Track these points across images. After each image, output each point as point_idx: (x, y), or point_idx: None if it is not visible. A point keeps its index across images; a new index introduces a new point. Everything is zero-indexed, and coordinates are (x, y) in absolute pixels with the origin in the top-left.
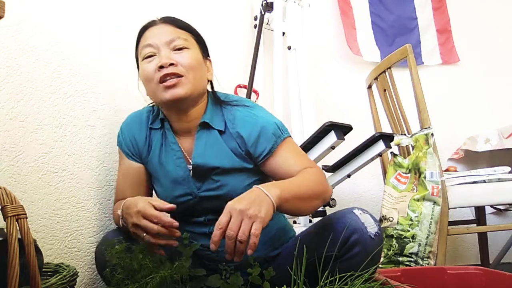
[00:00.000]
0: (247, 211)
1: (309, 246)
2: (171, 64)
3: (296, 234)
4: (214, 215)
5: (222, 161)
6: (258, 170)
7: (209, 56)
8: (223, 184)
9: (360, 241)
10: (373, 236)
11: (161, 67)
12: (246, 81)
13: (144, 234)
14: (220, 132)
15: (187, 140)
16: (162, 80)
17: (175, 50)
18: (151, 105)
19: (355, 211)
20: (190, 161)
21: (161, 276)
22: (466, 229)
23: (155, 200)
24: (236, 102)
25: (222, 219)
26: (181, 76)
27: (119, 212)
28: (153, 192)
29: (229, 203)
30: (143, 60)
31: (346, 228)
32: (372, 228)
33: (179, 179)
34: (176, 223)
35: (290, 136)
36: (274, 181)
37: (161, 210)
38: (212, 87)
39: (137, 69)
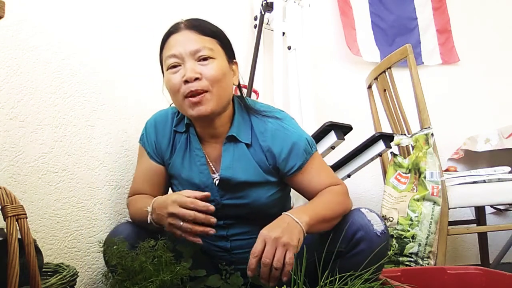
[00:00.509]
0: (280, 239)
1: (315, 243)
2: (196, 79)
3: None
4: (233, 219)
5: (248, 175)
6: (281, 181)
7: (235, 59)
8: (246, 194)
9: (366, 238)
10: (379, 234)
11: (186, 81)
12: (246, 81)
13: (181, 223)
14: (247, 145)
15: (212, 146)
16: (187, 95)
17: (200, 61)
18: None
19: (362, 209)
20: (214, 168)
21: (161, 280)
22: (466, 229)
23: (186, 191)
24: (266, 113)
25: (258, 247)
26: (206, 91)
27: (149, 208)
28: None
29: (262, 231)
30: (167, 69)
31: (352, 225)
32: (378, 226)
33: (202, 185)
34: (212, 207)
35: (317, 151)
36: (301, 207)
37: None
38: (241, 93)
39: (161, 74)
